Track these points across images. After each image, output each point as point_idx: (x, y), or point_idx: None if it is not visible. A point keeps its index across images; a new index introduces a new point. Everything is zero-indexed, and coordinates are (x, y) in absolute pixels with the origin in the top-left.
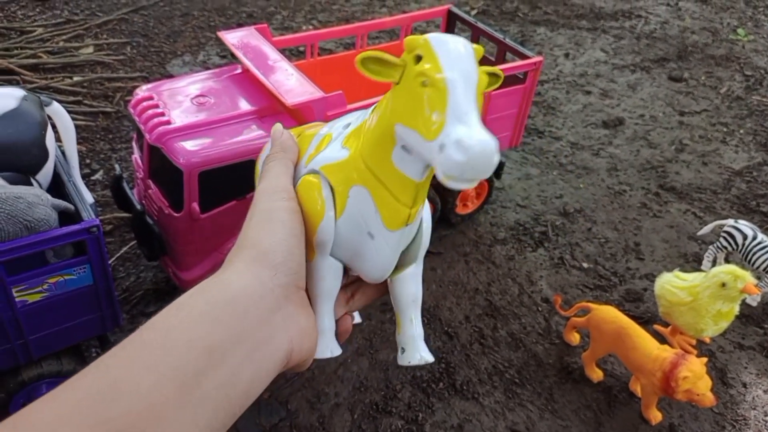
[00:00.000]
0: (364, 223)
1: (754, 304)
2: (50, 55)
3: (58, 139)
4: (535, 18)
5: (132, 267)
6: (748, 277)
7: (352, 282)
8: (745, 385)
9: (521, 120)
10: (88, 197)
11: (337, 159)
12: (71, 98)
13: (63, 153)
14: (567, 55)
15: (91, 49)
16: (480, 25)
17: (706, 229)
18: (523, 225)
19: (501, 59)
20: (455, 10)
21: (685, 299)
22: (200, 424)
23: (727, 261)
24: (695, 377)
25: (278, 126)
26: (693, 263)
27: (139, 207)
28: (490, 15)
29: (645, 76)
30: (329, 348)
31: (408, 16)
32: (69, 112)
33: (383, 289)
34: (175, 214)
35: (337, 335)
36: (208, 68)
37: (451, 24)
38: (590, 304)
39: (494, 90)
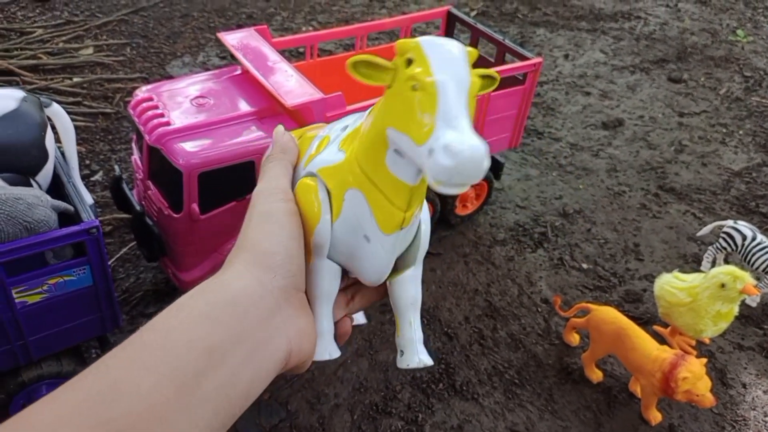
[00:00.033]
0: (359, 226)
1: (754, 304)
2: (50, 56)
3: (57, 140)
4: (534, 19)
5: (132, 268)
6: (747, 278)
7: (351, 284)
8: (744, 386)
9: (521, 121)
10: (88, 198)
11: (333, 162)
12: (71, 99)
13: (62, 154)
14: (566, 56)
15: (90, 50)
16: (479, 26)
17: (705, 230)
18: (522, 226)
19: (500, 60)
20: (455, 11)
21: (684, 300)
22: (200, 424)
23: (726, 262)
24: (695, 378)
25: (280, 128)
26: (692, 264)
27: (138, 208)
28: (490, 16)
29: (644, 77)
30: (328, 350)
31: (407, 18)
32: (69, 113)
33: (383, 291)
34: (175, 215)
35: (337, 337)
36: (207, 69)
37: (450, 25)
38: (590, 305)
39: (493, 91)
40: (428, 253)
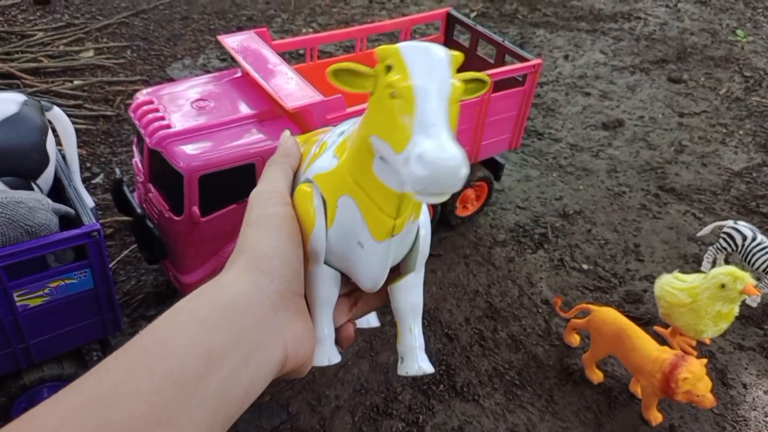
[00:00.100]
0: (353, 233)
1: (754, 305)
2: (51, 59)
3: (58, 143)
4: (534, 20)
5: (133, 270)
6: (747, 278)
7: (354, 290)
8: (745, 386)
9: (521, 122)
10: (89, 201)
11: (327, 168)
12: (72, 102)
13: (63, 157)
14: (566, 57)
15: (91, 53)
16: (479, 27)
17: (705, 230)
18: (522, 227)
19: (500, 62)
20: (454, 12)
21: (684, 300)
22: (201, 425)
23: (726, 262)
24: (695, 378)
25: (286, 132)
26: (693, 264)
27: (139, 210)
28: (490, 17)
29: (644, 77)
30: (327, 356)
31: (407, 19)
32: (69, 115)
33: (385, 296)
34: (176, 218)
35: (339, 342)
36: (208, 71)
37: (450, 27)
38: (590, 306)
39: (493, 93)
40: (429, 254)
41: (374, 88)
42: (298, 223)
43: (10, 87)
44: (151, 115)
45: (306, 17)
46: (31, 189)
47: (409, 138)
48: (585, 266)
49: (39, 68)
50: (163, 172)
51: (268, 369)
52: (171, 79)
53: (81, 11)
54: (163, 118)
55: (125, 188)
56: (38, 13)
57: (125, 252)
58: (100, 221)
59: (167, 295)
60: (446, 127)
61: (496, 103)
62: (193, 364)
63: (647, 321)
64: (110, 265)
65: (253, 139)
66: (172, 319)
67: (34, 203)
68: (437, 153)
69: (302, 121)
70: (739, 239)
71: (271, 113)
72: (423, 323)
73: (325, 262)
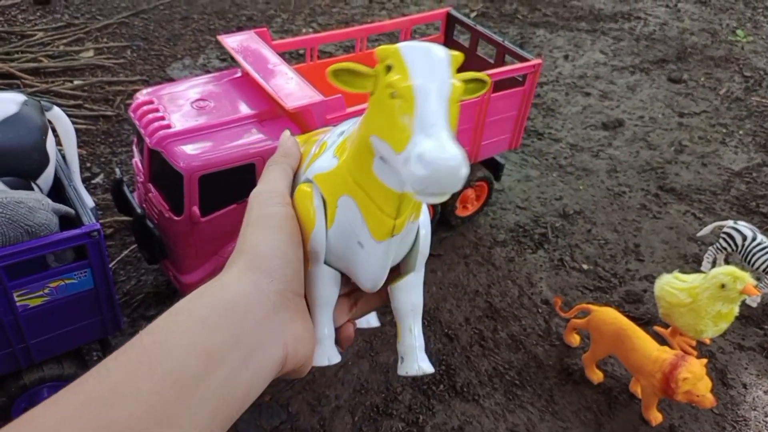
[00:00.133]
0: (353, 233)
1: (754, 305)
2: (51, 59)
3: (58, 143)
4: (534, 20)
5: (133, 270)
6: (747, 278)
7: (354, 290)
8: (745, 386)
9: (521, 122)
10: (89, 201)
11: (327, 168)
12: (72, 102)
13: (63, 157)
14: (566, 57)
15: (91, 53)
16: (479, 27)
17: (705, 230)
18: (522, 227)
19: (500, 62)
20: (454, 12)
21: (684, 300)
22: (201, 425)
23: (726, 262)
24: (695, 378)
25: (286, 132)
26: (693, 264)
27: (139, 210)
28: (490, 17)
29: (644, 77)
30: (327, 356)
31: (407, 19)
32: (69, 115)
33: (385, 296)
34: (176, 218)
35: (339, 342)
36: (208, 71)
37: (450, 27)
38: (590, 306)
39: (493, 93)
40: (429, 254)
41: (374, 88)
42: (298, 223)
43: (10, 87)
44: (151, 115)
45: (306, 17)
46: (31, 189)
47: (409, 138)
48: (585, 266)
49: (39, 68)
50: (163, 172)
51: (268, 369)
52: (171, 79)
53: (81, 11)
54: (163, 118)
55: (125, 188)
56: (38, 13)
57: (125, 252)
58: (100, 221)
59: (167, 295)
60: (446, 127)
61: (496, 103)
62: (193, 364)
63: (647, 321)
64: (110, 265)
65: (253, 139)
66: (172, 319)
67: (34, 203)
68: (437, 153)
69: (302, 121)
70: (739, 239)
71: (271, 113)
72: (423, 323)
73: (326, 262)
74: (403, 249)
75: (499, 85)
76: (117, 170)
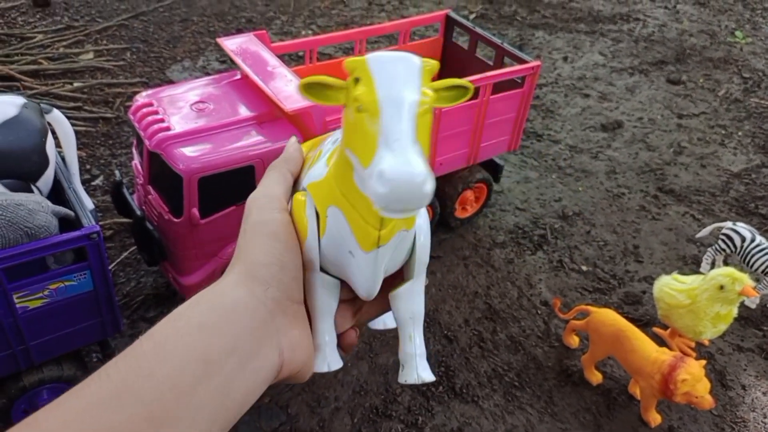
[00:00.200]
0: (344, 242)
1: (753, 306)
2: (50, 61)
3: (58, 145)
4: (533, 22)
5: (132, 272)
6: (746, 280)
7: (357, 296)
8: (744, 387)
9: (520, 124)
10: (89, 203)
11: (318, 177)
12: (71, 104)
13: (63, 159)
14: (565, 59)
15: (91, 55)
16: (478, 30)
17: (704, 232)
18: (522, 228)
19: (499, 64)
20: (453, 15)
21: (683, 302)
22: (199, 429)
23: (725, 263)
24: (694, 380)
25: (292, 138)
26: (692, 266)
27: (139, 212)
28: (489, 19)
29: (643, 79)
30: (327, 362)
31: (406, 21)
32: (69, 117)
33: (387, 303)
34: (175, 220)
35: (342, 348)
36: (207, 73)
37: (449, 29)
38: (589, 307)
39: (492, 94)
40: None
41: (346, 100)
42: (295, 230)
43: (9, 89)
44: (150, 118)
45: (305, 19)
46: (31, 191)
47: (374, 153)
48: (584, 267)
49: (39, 70)
50: (162, 174)
51: (264, 374)
52: (170, 82)
53: (81, 13)
54: (162, 121)
55: (125, 190)
56: (38, 16)
57: (125, 254)
58: (100, 223)
59: (167, 296)
60: (412, 142)
61: (495, 104)
62: (191, 369)
63: (646, 322)
64: (110, 267)
65: (252, 141)
66: (171, 324)
67: (34, 205)
68: (398, 169)
69: (301, 123)
70: (738, 240)
71: (271, 115)
72: (422, 326)
73: (323, 270)
74: (398, 257)
75: (498, 87)
76: (117, 172)
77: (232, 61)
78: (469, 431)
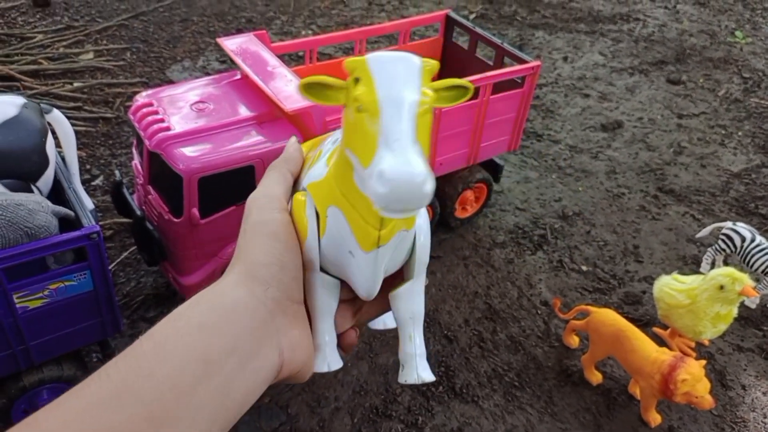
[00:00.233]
0: (344, 242)
1: (753, 306)
2: (50, 61)
3: (58, 145)
4: (533, 22)
5: (132, 272)
6: (746, 280)
7: (357, 296)
8: (744, 387)
9: (520, 124)
10: (88, 203)
11: (318, 177)
12: (71, 104)
13: (63, 159)
14: (565, 59)
15: (91, 55)
16: (478, 30)
17: (704, 232)
18: (522, 228)
19: (499, 64)
20: (453, 15)
21: (683, 302)
22: (199, 430)
23: (725, 263)
24: (694, 380)
25: (292, 138)
26: (692, 266)
27: (139, 212)
28: (489, 19)
29: (643, 79)
30: (327, 362)
31: (406, 21)
32: (69, 117)
33: (387, 303)
34: (175, 220)
35: (342, 348)
36: (207, 73)
37: (449, 29)
38: (589, 307)
39: (492, 94)
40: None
41: (346, 100)
42: (295, 230)
43: (9, 89)
44: (150, 118)
45: (305, 19)
46: (31, 191)
47: (374, 153)
48: (584, 267)
49: (39, 70)
50: (162, 174)
51: (264, 375)
52: (170, 82)
53: (81, 13)
54: (162, 121)
55: (125, 190)
56: (38, 16)
57: (125, 254)
58: (100, 223)
59: (167, 296)
60: (412, 142)
61: (495, 104)
62: (191, 369)
63: (646, 322)
64: (110, 267)
65: (252, 141)
66: (171, 324)
67: (34, 205)
68: (398, 169)
69: (301, 123)
70: (737, 240)
71: (271, 115)
72: (422, 325)
73: (324, 270)
74: (398, 257)
75: (498, 87)
76: (117, 172)
77: (232, 61)
78: (469, 431)
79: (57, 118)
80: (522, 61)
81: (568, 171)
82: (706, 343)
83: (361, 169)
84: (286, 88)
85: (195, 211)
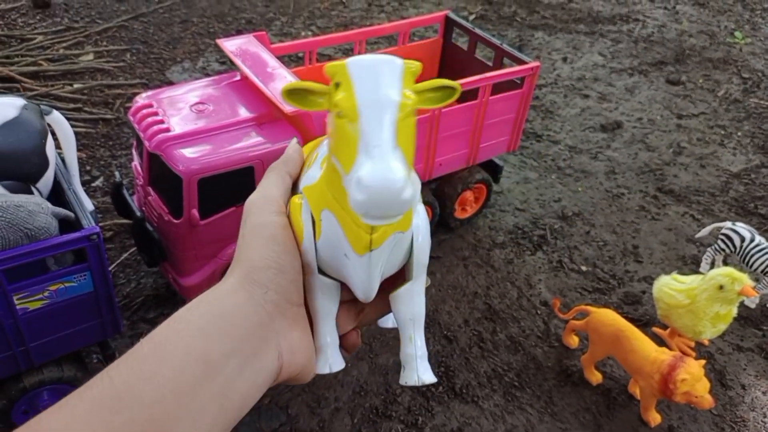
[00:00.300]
0: (339, 245)
1: (753, 306)
2: (50, 63)
3: (58, 147)
4: (533, 22)
5: (132, 273)
6: (745, 280)
7: None
8: (743, 387)
9: (519, 124)
10: (88, 204)
11: (312, 181)
12: (71, 105)
13: (63, 161)
14: (565, 59)
15: (91, 56)
16: (477, 30)
17: (704, 232)
18: (521, 229)
19: (498, 64)
20: (453, 15)
21: (683, 302)
22: (201, 431)
23: (725, 263)
24: (693, 379)
25: (294, 140)
26: (691, 266)
27: (139, 214)
28: (488, 20)
29: (643, 79)
30: (328, 363)
31: (406, 22)
32: (69, 119)
33: (389, 304)
34: (175, 221)
35: (345, 349)
36: (207, 75)
37: (448, 30)
38: (589, 307)
39: (492, 95)
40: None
41: (329, 106)
42: (293, 233)
43: (9, 91)
44: (150, 119)
45: (305, 20)
46: (31, 193)
47: (353, 160)
48: (584, 268)
49: (39, 72)
50: (162, 175)
51: (263, 377)
52: (170, 83)
53: (81, 15)
54: (162, 122)
55: (125, 191)
56: (38, 17)
57: (125, 255)
58: (100, 224)
59: (167, 297)
60: (392, 147)
61: (494, 105)
62: (191, 371)
63: (646, 322)
64: (110, 268)
65: (251, 142)
66: (171, 327)
67: (34, 207)
68: (376, 176)
69: (301, 124)
70: (737, 240)
71: (270, 116)
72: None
73: (323, 272)
74: (395, 259)
75: (498, 88)
76: (116, 173)
77: (231, 62)
78: (469, 431)
79: (57, 119)
80: (521, 62)
81: (567, 171)
82: (706, 342)
83: (344, 174)
84: None
85: (195, 212)
